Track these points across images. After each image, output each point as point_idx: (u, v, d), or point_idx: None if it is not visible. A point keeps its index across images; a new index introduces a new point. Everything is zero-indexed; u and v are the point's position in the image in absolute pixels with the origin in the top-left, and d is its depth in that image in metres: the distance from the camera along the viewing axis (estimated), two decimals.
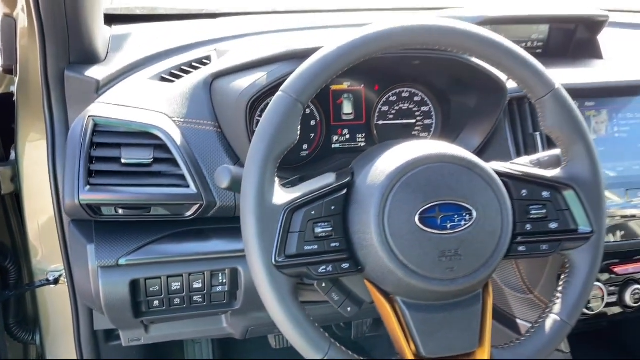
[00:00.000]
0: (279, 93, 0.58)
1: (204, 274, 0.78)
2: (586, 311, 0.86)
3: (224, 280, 0.80)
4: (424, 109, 0.93)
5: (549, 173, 0.66)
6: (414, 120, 0.93)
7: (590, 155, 0.64)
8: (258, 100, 0.74)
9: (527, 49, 1.07)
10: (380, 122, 0.92)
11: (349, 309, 0.64)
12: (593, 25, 1.04)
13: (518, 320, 0.88)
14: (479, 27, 0.62)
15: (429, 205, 0.58)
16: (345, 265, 0.59)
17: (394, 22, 0.59)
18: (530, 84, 0.63)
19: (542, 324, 0.64)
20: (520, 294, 0.87)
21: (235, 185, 0.60)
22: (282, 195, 0.58)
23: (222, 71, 0.81)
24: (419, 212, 0.58)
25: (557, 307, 0.64)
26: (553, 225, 0.64)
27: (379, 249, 0.57)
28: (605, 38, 1.06)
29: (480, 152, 0.86)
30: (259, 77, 0.73)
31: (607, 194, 0.85)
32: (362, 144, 0.91)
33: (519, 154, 0.83)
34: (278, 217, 0.57)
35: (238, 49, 0.86)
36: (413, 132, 0.93)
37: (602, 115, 0.86)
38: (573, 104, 0.64)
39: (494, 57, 0.62)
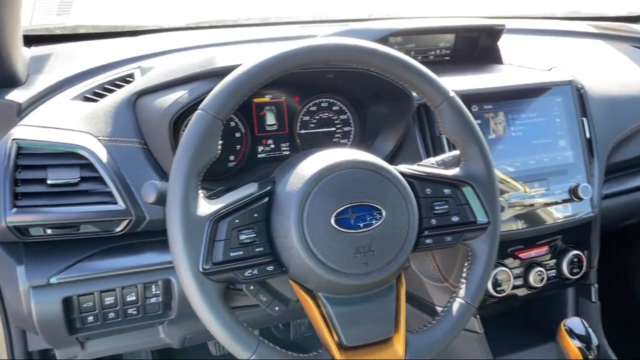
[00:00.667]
0: (198, 111, 0.62)
1: (137, 286, 0.81)
2: (496, 294, 0.95)
3: (158, 292, 0.82)
4: (342, 117, 0.99)
5: (450, 172, 0.73)
6: (334, 128, 0.99)
7: (484, 155, 0.73)
8: (181, 118, 0.78)
9: (436, 56, 1.18)
10: (303, 131, 0.97)
11: (276, 308, 0.68)
12: (493, 33, 1.14)
13: (437, 307, 0.96)
14: (379, 45, 0.69)
15: (343, 208, 0.64)
16: (270, 268, 0.64)
17: (303, 43, 0.65)
18: (427, 93, 0.71)
19: (450, 307, 0.71)
20: (437, 282, 0.95)
21: (162, 200, 0.64)
22: (206, 207, 0.62)
23: (145, 89, 0.84)
24: (335, 214, 0.64)
25: (462, 292, 0.72)
26: (455, 219, 0.72)
27: (300, 251, 0.63)
28: (505, 43, 1.17)
29: (394, 155, 0.93)
30: (180, 96, 0.77)
31: (509, 186, 0.94)
32: (287, 153, 0.96)
33: (428, 155, 0.91)
34: (203, 227, 0.61)
35: (161, 66, 0.89)
36: (334, 139, 0.99)
37: (500, 116, 0.95)
38: (466, 110, 0.72)
39: (394, 71, 0.69)
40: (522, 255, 0.99)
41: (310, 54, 0.65)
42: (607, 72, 1.17)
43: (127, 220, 0.78)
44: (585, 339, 0.87)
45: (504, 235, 0.94)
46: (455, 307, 0.71)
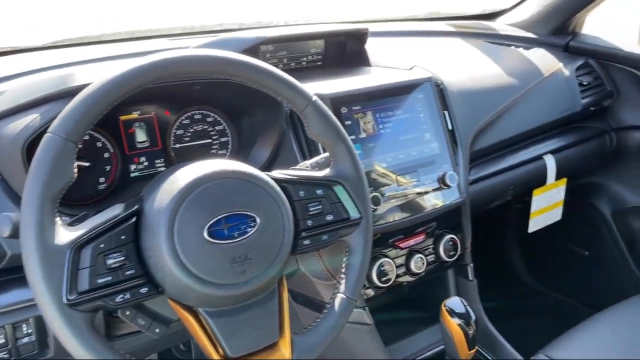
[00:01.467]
0: (47, 134, 0.59)
1: (4, 328, 0.75)
2: (382, 284, 0.99)
3: (30, 330, 0.77)
4: (218, 128, 0.99)
5: (321, 173, 0.76)
6: (210, 140, 0.98)
7: (351, 154, 0.76)
8: (35, 143, 0.73)
9: (308, 62, 1.21)
10: (178, 146, 0.95)
11: (157, 330, 0.66)
12: (359, 36, 1.19)
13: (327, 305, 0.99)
14: (237, 54, 0.69)
15: (215, 219, 0.64)
16: (144, 290, 0.62)
17: (154, 57, 0.64)
18: (291, 99, 0.73)
19: (332, 304, 0.73)
20: (326, 281, 0.98)
21: (17, 232, 0.60)
22: (66, 234, 0.59)
23: None
24: (207, 226, 0.63)
25: (342, 287, 0.74)
26: (329, 217, 0.74)
27: (174, 269, 0.61)
28: (373, 46, 1.23)
29: (271, 162, 0.94)
30: (32, 119, 0.72)
31: (383, 181, 0.99)
32: (162, 169, 0.94)
33: (304, 159, 0.93)
34: (63, 256, 0.58)
35: (12, 89, 0.83)
36: (211, 151, 0.98)
37: (368, 116, 1.00)
38: (329, 112, 0.75)
39: (256, 80, 0.70)
40: (403, 244, 1.04)
41: (160, 69, 0.64)
42: (464, 68, 1.27)
43: None
44: (464, 316, 0.93)
45: (384, 227, 1.00)
46: (337, 302, 0.73)
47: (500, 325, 1.17)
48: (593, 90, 1.43)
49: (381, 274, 0.99)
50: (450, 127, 1.10)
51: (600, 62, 1.48)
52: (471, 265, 1.15)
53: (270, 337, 0.68)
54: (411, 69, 1.14)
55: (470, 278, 1.15)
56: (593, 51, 1.49)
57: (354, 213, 0.76)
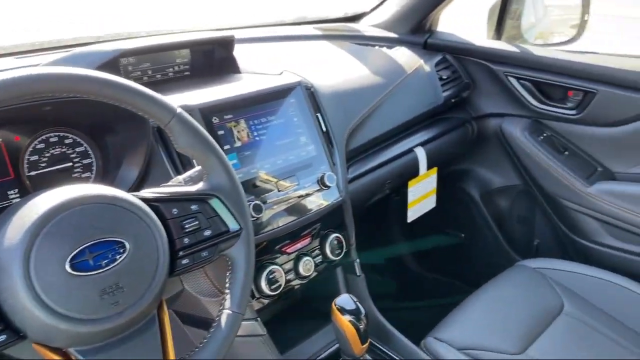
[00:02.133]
0: None
1: None
2: (272, 292, 0.98)
3: None
4: (79, 149, 0.92)
5: (194, 188, 0.73)
6: (71, 164, 0.90)
7: (224, 165, 0.74)
8: None
9: (175, 72, 1.16)
10: (33, 173, 0.87)
11: None
12: (225, 44, 1.17)
13: None
14: (90, 70, 0.64)
15: (77, 250, 0.58)
16: (2, 338, 0.56)
17: None
18: (153, 114, 0.69)
19: (219, 321, 0.71)
20: (214, 297, 0.95)
21: None
22: None
23: None
24: (69, 259, 0.58)
25: (227, 302, 0.72)
26: (207, 233, 0.71)
27: (34, 310, 0.55)
28: (242, 53, 1.21)
29: (142, 181, 0.89)
30: None
31: (263, 188, 0.98)
32: (18, 201, 0.85)
33: (178, 174, 0.89)
34: None
35: None
36: (74, 175, 0.91)
37: (242, 124, 0.98)
38: (196, 124, 0.72)
39: (113, 96, 0.66)
40: (290, 249, 1.04)
41: (13, 88, 0.57)
42: (333, 70, 1.30)
43: None
44: (355, 312, 0.95)
45: (269, 234, 0.99)
46: (223, 319, 0.71)
47: (391, 315, 1.22)
48: (452, 83, 1.54)
49: (271, 281, 0.98)
50: (324, 129, 1.11)
51: (456, 57, 1.59)
52: (357, 261, 1.18)
53: None
54: (281, 74, 1.14)
55: (358, 273, 1.18)
56: (449, 47, 1.60)
57: (233, 225, 0.74)
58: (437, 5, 1.59)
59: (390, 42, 1.60)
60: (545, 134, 1.51)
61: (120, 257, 0.61)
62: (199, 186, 0.73)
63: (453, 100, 1.53)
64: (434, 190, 1.54)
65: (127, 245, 0.62)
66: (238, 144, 0.97)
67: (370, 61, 1.41)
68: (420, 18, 1.63)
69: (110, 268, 0.60)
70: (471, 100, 1.62)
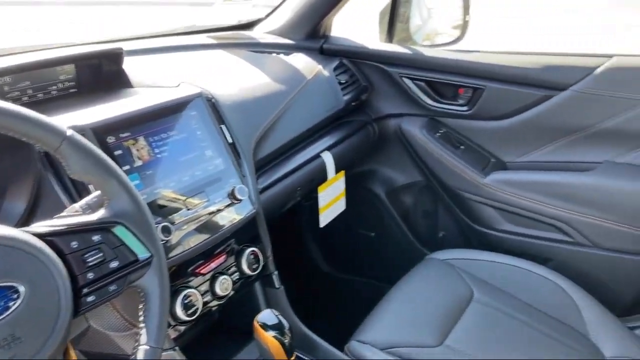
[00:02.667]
0: None
1: None
2: (189, 318, 0.92)
3: None
4: None
5: (95, 216, 0.66)
6: None
7: (126, 188, 0.68)
8: None
9: (59, 90, 1.06)
10: None
11: None
12: (114, 57, 1.09)
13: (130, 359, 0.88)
14: None
15: None
16: None
17: None
18: (40, 139, 0.61)
19: (135, 358, 0.65)
20: (126, 331, 0.87)
21: None
22: None
23: None
24: None
25: (143, 337, 0.66)
26: (114, 265, 0.65)
27: None
28: (133, 66, 1.13)
29: (31, 214, 0.80)
30: None
31: (171, 208, 0.92)
32: None
33: (73, 202, 0.81)
34: None
35: None
36: None
37: (141, 142, 0.92)
38: (90, 145, 0.65)
39: None
40: (204, 269, 0.99)
41: None
42: (233, 79, 1.26)
43: None
44: (278, 326, 0.92)
45: (181, 257, 0.93)
46: (140, 355, 0.65)
47: (313, 323, 1.20)
48: (351, 87, 1.56)
49: (187, 306, 0.92)
50: (230, 141, 1.07)
51: (352, 61, 1.62)
52: (275, 273, 1.15)
53: None
54: (178, 86, 1.08)
55: (277, 286, 1.15)
56: (345, 51, 1.63)
57: (142, 253, 0.68)
58: (330, 11, 1.61)
59: (287, 49, 1.59)
60: (441, 131, 1.58)
61: (14, 305, 0.53)
62: (100, 214, 0.66)
63: (353, 104, 1.56)
64: (343, 193, 1.55)
65: (21, 290, 0.54)
66: (139, 163, 0.90)
67: (270, 69, 1.39)
68: (314, 24, 1.64)
69: (3, 318, 0.52)
70: (370, 103, 1.65)
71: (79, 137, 0.64)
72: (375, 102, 1.65)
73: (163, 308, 0.68)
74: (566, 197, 1.42)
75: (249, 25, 1.73)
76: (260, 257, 1.07)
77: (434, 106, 1.57)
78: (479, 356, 1.13)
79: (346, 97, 1.52)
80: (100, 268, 0.64)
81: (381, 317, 1.23)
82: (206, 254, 0.99)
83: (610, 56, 1.35)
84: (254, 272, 1.06)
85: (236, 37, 1.62)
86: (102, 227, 0.65)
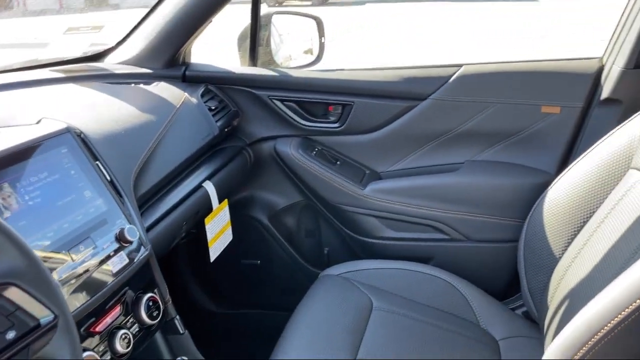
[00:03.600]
0: None
1: None
2: None
3: None
4: None
5: None
6: None
7: (13, 241, 0.56)
8: None
9: None
10: None
11: None
12: None
13: None
14: None
15: None
16: None
17: None
18: None
19: None
20: None
21: None
22: None
23: None
24: None
25: None
26: (11, 335, 0.53)
27: None
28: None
29: None
30: None
31: (54, 262, 0.79)
32: None
33: None
34: None
35: None
36: None
37: (5, 189, 0.77)
38: None
39: None
40: (99, 327, 0.86)
41: None
42: (98, 112, 1.14)
43: None
44: None
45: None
46: None
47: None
48: (221, 113, 1.51)
49: None
50: (109, 178, 0.96)
51: (219, 87, 1.57)
52: (177, 317, 1.04)
53: None
54: (39, 122, 0.95)
55: (181, 331, 1.05)
56: (209, 77, 1.57)
57: (44, 316, 0.56)
58: (188, 38, 1.55)
59: (147, 78, 1.49)
60: (317, 149, 1.60)
61: None
62: None
63: (226, 130, 1.51)
64: (229, 223, 1.48)
65: None
66: (7, 214, 0.76)
67: (134, 100, 1.29)
68: (173, 52, 1.56)
69: None
70: (243, 128, 1.62)
71: None
72: (247, 127, 1.62)
73: None
74: (437, 198, 1.53)
75: (98, 57, 1.59)
76: (160, 303, 0.97)
77: (306, 125, 1.59)
78: None
79: (219, 123, 1.46)
80: None
81: (290, 343, 1.18)
82: (98, 309, 0.87)
83: (460, 65, 1.49)
84: (155, 320, 0.95)
85: (86, 70, 1.47)
86: None
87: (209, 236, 1.37)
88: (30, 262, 0.57)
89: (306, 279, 1.41)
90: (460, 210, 1.52)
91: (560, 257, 1.22)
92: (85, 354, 0.80)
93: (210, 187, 1.34)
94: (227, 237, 1.48)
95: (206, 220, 1.36)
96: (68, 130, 0.93)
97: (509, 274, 1.50)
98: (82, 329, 0.83)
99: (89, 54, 1.62)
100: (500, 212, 1.49)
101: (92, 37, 1.56)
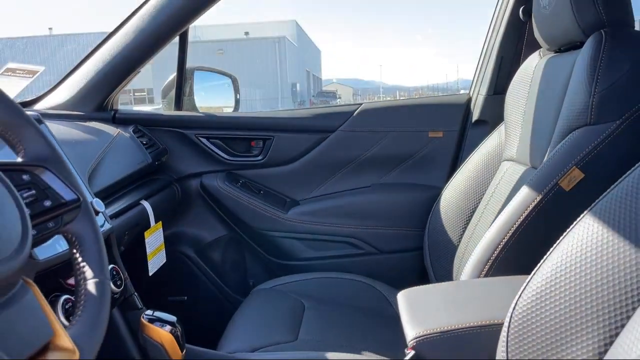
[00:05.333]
0: None
1: None
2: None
3: None
4: None
5: (19, 159, 0.64)
6: None
7: (40, 134, 0.67)
8: None
9: None
10: None
11: None
12: None
13: None
14: None
15: None
16: None
17: None
18: None
19: (87, 291, 0.62)
20: None
21: None
22: None
23: None
24: None
25: (89, 273, 0.63)
26: (47, 203, 0.63)
27: None
28: None
29: None
30: None
31: None
32: None
33: None
34: None
35: None
36: None
37: None
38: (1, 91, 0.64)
39: None
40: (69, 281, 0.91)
41: None
42: None
43: None
44: (167, 320, 0.92)
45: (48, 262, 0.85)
46: (92, 288, 0.62)
47: None
48: (151, 148, 1.64)
49: (68, 311, 0.84)
50: None
51: (148, 128, 1.71)
52: (136, 294, 1.10)
53: (45, 335, 0.52)
54: None
55: (140, 306, 1.10)
56: (138, 119, 1.71)
57: (69, 195, 0.67)
58: (117, 85, 1.70)
59: (79, 119, 1.60)
60: (241, 181, 1.77)
61: None
62: (22, 158, 0.64)
63: (157, 163, 1.63)
64: (162, 245, 1.56)
65: None
66: None
67: (70, 132, 1.38)
68: (102, 98, 1.69)
69: None
70: (170, 165, 1.75)
71: None
72: (175, 164, 1.75)
73: (100, 245, 0.67)
74: (350, 215, 1.74)
75: (29, 103, 1.68)
76: (121, 275, 1.04)
77: (231, 160, 1.76)
78: (329, 341, 1.26)
79: (151, 155, 1.59)
80: (35, 206, 0.61)
81: (235, 331, 1.27)
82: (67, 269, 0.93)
83: (360, 104, 1.79)
84: (119, 288, 1.01)
85: None
86: (27, 169, 0.63)
87: (148, 250, 1.44)
88: (55, 154, 0.68)
89: (233, 310, 1.49)
90: (370, 225, 1.74)
91: (458, 243, 1.46)
92: (67, 296, 0.86)
93: (147, 205, 1.44)
94: (162, 258, 1.55)
95: (146, 233, 1.43)
96: None
97: (418, 277, 1.71)
98: (58, 278, 0.89)
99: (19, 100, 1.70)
100: (403, 223, 1.73)
101: (26, 82, 1.64)
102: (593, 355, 0.59)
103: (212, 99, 2.00)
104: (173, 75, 1.82)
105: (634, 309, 0.57)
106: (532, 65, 1.37)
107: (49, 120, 1.48)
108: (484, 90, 1.73)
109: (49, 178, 0.66)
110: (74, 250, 0.66)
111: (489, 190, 1.43)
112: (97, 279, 0.64)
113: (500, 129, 1.50)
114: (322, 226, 1.74)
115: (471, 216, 1.45)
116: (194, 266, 1.79)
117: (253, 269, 1.83)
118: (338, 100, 35.24)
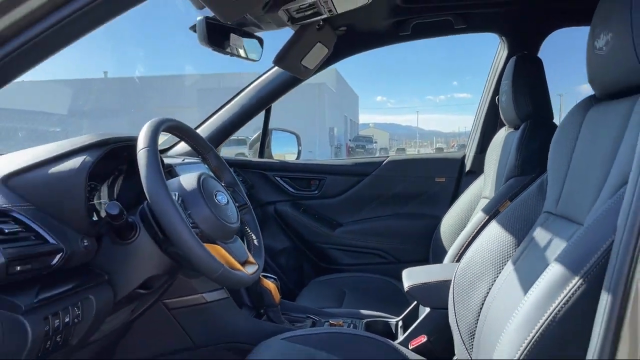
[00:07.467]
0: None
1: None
2: None
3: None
4: None
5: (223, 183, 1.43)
6: None
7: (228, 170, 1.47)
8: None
9: None
10: None
11: None
12: None
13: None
14: None
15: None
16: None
17: None
18: None
19: (254, 245, 1.39)
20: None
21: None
22: None
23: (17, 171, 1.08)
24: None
25: (255, 236, 1.41)
26: (242, 201, 1.41)
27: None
28: None
29: None
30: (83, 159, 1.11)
31: None
32: None
33: None
34: None
35: (17, 156, 1.12)
36: None
37: None
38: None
39: None
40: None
41: None
42: None
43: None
44: (271, 276, 1.68)
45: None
46: (257, 243, 1.39)
47: None
48: (244, 184, 2.44)
49: None
50: None
51: (242, 169, 2.52)
52: None
53: (245, 254, 1.29)
54: None
55: None
56: (236, 164, 2.53)
57: (242, 200, 1.45)
58: (224, 140, 2.53)
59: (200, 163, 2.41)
60: (302, 208, 2.55)
61: None
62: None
63: (247, 194, 2.43)
64: None
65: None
66: None
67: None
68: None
69: None
70: (255, 195, 2.54)
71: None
72: (258, 195, 2.55)
73: (259, 231, 1.44)
74: (379, 235, 2.49)
75: (164, 150, 2.51)
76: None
77: (296, 193, 2.55)
78: (359, 309, 1.99)
79: (244, 188, 2.39)
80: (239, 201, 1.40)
81: (303, 301, 2.01)
82: None
83: (387, 157, 2.56)
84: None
85: None
86: (230, 186, 1.42)
87: None
88: (235, 180, 1.46)
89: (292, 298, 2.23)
90: (392, 242, 2.48)
91: (449, 249, 2.18)
92: None
93: None
94: None
95: None
96: None
97: None
98: None
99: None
100: (414, 241, 2.47)
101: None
102: (487, 290, 1.31)
103: (282, 149, 2.81)
104: (257, 133, 2.65)
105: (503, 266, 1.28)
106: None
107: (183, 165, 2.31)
108: (473, 150, 2.48)
109: (238, 189, 1.44)
110: (247, 229, 1.43)
111: (472, 220, 2.15)
112: (257, 239, 1.40)
113: (481, 177, 2.24)
114: (358, 242, 2.49)
115: (459, 233, 2.18)
116: (267, 267, 2.55)
117: (308, 269, 2.58)
118: (374, 144, 36.01)
